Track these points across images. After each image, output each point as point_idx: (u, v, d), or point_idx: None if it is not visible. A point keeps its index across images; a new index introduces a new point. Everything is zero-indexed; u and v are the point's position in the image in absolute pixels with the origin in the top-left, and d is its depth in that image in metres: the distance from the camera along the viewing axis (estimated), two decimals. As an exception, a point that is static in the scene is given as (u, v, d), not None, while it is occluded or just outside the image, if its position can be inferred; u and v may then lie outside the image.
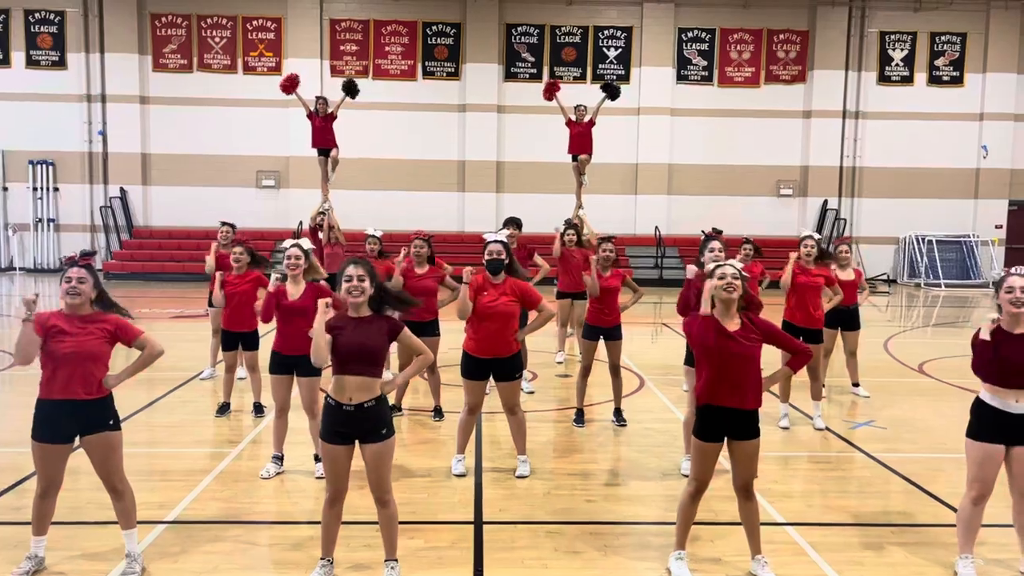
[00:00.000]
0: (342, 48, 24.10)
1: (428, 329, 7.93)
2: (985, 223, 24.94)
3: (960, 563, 4.90)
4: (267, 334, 8.93)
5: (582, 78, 24.14)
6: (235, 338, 8.41)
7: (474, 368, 6.47)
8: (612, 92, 14.47)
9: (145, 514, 5.48)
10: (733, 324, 4.69)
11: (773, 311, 6.74)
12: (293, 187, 23.74)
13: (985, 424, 4.76)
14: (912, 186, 24.78)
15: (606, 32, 24.38)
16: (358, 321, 4.62)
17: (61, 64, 23.63)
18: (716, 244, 6.42)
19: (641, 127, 24.27)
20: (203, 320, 13.02)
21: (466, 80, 24.10)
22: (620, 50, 24.41)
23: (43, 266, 23.81)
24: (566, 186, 16.82)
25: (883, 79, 24.79)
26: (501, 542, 5.38)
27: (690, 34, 24.48)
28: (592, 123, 14.49)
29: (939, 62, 24.74)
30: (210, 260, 9.54)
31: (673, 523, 5.04)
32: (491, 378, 6.56)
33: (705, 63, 24.56)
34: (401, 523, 4.90)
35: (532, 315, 6.73)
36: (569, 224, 11.22)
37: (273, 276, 6.57)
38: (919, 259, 24.41)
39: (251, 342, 8.47)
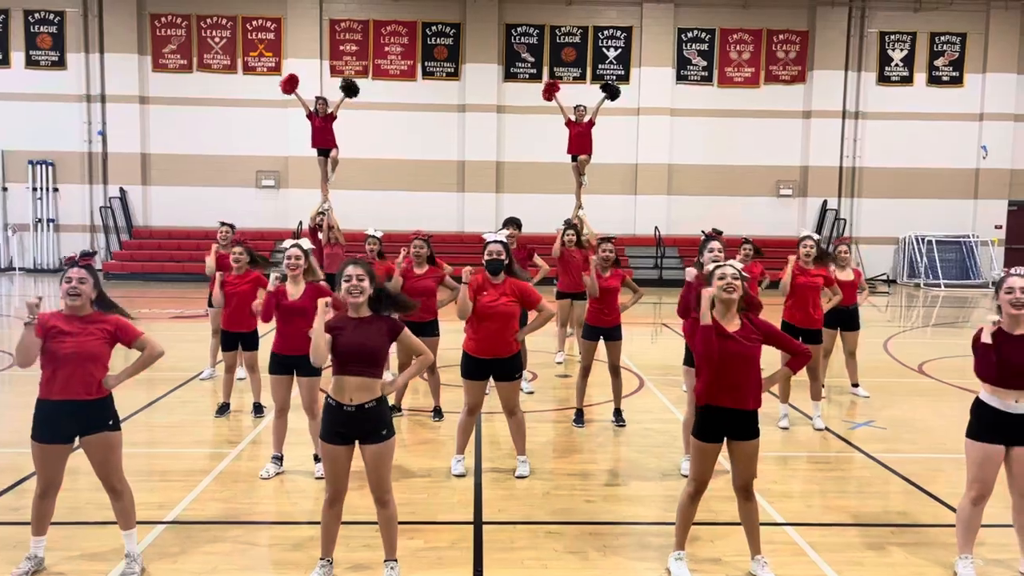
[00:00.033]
0: (342, 48, 24.09)
1: (427, 329, 7.93)
2: (985, 223, 24.94)
3: (959, 563, 4.91)
4: (266, 334, 8.94)
5: (582, 78, 24.14)
6: (235, 338, 8.41)
7: (474, 368, 6.47)
8: (612, 92, 14.47)
9: (144, 514, 5.48)
10: (733, 325, 4.69)
11: (772, 311, 6.75)
12: (293, 187, 23.73)
13: (985, 424, 4.76)
14: (912, 186, 24.78)
15: (606, 32, 24.38)
16: (358, 321, 4.63)
17: (61, 64, 23.62)
18: (716, 244, 6.41)
19: (641, 127, 24.27)
20: (203, 320, 13.02)
21: (466, 80, 24.10)
22: (620, 50, 24.41)
23: (43, 266, 23.80)
24: (566, 186, 16.82)
25: (883, 79, 24.80)
26: (500, 542, 5.38)
27: (690, 34, 24.48)
28: (592, 123, 14.49)
29: (939, 62, 24.75)
30: (210, 261, 9.54)
31: (672, 523, 5.04)
32: (491, 378, 6.56)
33: (705, 63, 24.56)
34: (401, 523, 4.90)
35: (532, 315, 6.73)
36: (569, 224, 11.22)
37: (273, 276, 6.57)
38: (919, 259, 24.41)
39: (251, 342, 8.47)
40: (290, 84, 13.81)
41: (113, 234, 23.73)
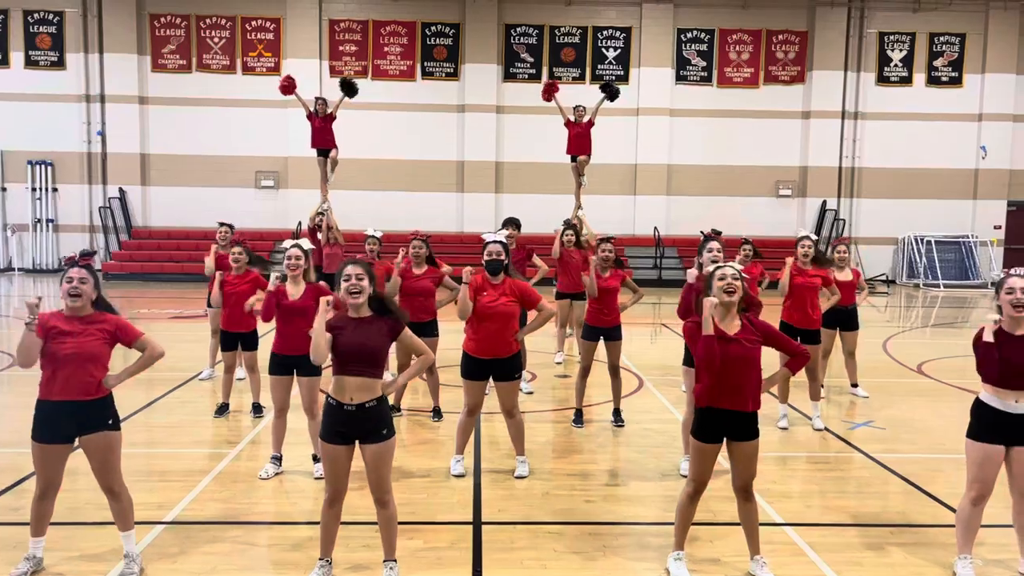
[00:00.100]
0: (341, 48, 24.09)
1: (427, 330, 7.93)
2: (984, 224, 24.95)
3: (959, 563, 4.91)
4: (266, 334, 8.94)
5: (581, 78, 24.14)
6: (234, 338, 8.41)
7: (474, 368, 6.47)
8: (611, 93, 14.47)
9: (143, 514, 5.48)
10: (733, 326, 4.69)
11: (771, 312, 6.76)
12: (292, 187, 23.73)
13: (985, 425, 4.77)
14: (911, 187, 24.79)
15: (605, 32, 24.38)
16: (358, 321, 4.63)
17: (60, 64, 23.62)
18: (715, 245, 6.41)
19: (640, 128, 24.27)
20: (202, 320, 13.02)
21: (465, 80, 24.10)
22: (619, 50, 24.42)
23: (42, 267, 23.79)
24: (565, 187, 16.83)
25: (882, 80, 24.81)
26: (500, 543, 5.38)
27: (689, 34, 24.49)
28: (591, 124, 14.49)
29: (938, 63, 24.76)
30: (209, 261, 9.54)
31: (672, 523, 5.04)
32: (490, 379, 6.56)
33: (704, 63, 24.57)
34: (400, 524, 4.90)
35: (531, 315, 6.73)
36: (568, 225, 11.22)
37: (273, 276, 6.58)
38: (918, 260, 24.41)
39: (250, 342, 8.47)
40: (289, 85, 13.80)
41: (112, 234, 23.72)
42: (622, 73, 24.27)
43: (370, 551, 5.09)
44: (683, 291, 6.23)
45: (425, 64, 24.21)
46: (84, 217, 24.03)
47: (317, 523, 4.85)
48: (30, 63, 23.55)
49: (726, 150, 24.47)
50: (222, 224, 10.17)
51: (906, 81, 24.80)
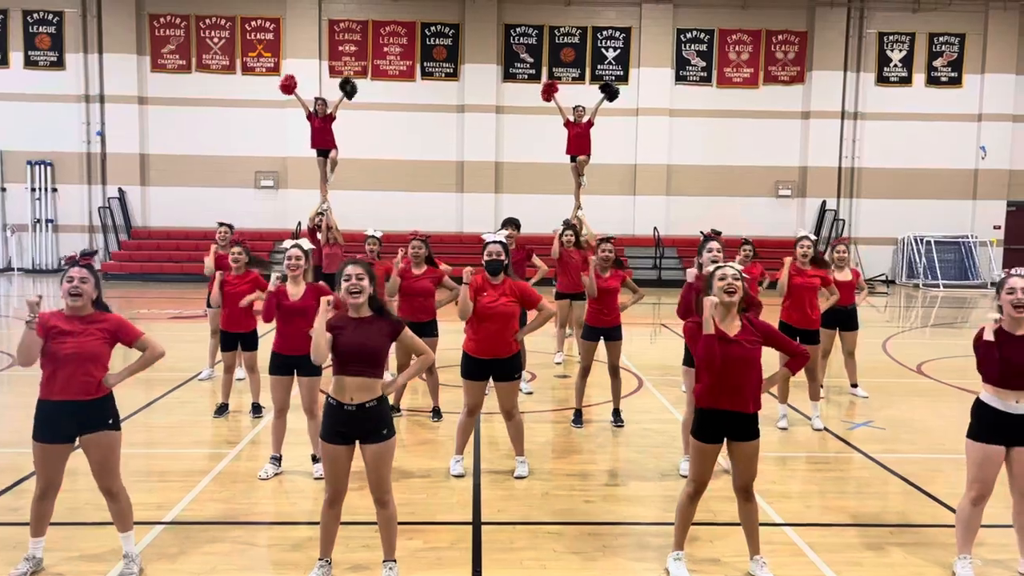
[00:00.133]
0: (341, 49, 24.09)
1: (426, 330, 7.92)
2: (983, 224, 24.95)
3: (958, 563, 4.91)
4: (266, 334, 8.94)
5: (581, 79, 24.14)
6: (234, 339, 8.41)
7: (474, 369, 6.47)
8: (610, 93, 14.47)
9: (143, 515, 5.48)
10: (734, 327, 4.69)
11: (770, 312, 6.75)
12: (291, 188, 23.72)
13: (985, 425, 4.77)
14: (910, 187, 24.80)
15: (605, 33, 24.38)
16: (359, 321, 4.63)
17: (59, 64, 23.61)
18: (715, 245, 6.41)
19: (640, 128, 24.27)
20: (202, 321, 13.02)
21: (465, 81, 24.10)
22: (619, 51, 24.42)
23: (41, 267, 23.79)
24: (565, 187, 16.83)
25: (881, 80, 24.81)
26: (500, 543, 5.38)
27: (689, 35, 24.49)
28: (590, 124, 14.48)
29: (937, 63, 24.76)
30: (208, 261, 9.55)
31: (671, 523, 5.04)
32: (490, 379, 6.55)
33: (704, 64, 24.57)
34: (399, 524, 4.90)
35: (531, 315, 6.73)
36: (567, 225, 11.23)
37: (273, 276, 6.57)
38: (917, 260, 24.42)
39: (250, 343, 8.47)
40: (289, 85, 13.80)
41: (112, 234, 23.72)
42: (622, 73, 24.27)
43: (370, 551, 5.09)
44: (683, 291, 6.23)
45: (425, 64, 24.21)
46: (83, 217, 24.03)
47: (317, 523, 4.85)
48: (29, 63, 23.54)
49: (726, 150, 24.47)
50: (221, 224, 10.17)
51: (906, 81, 24.81)
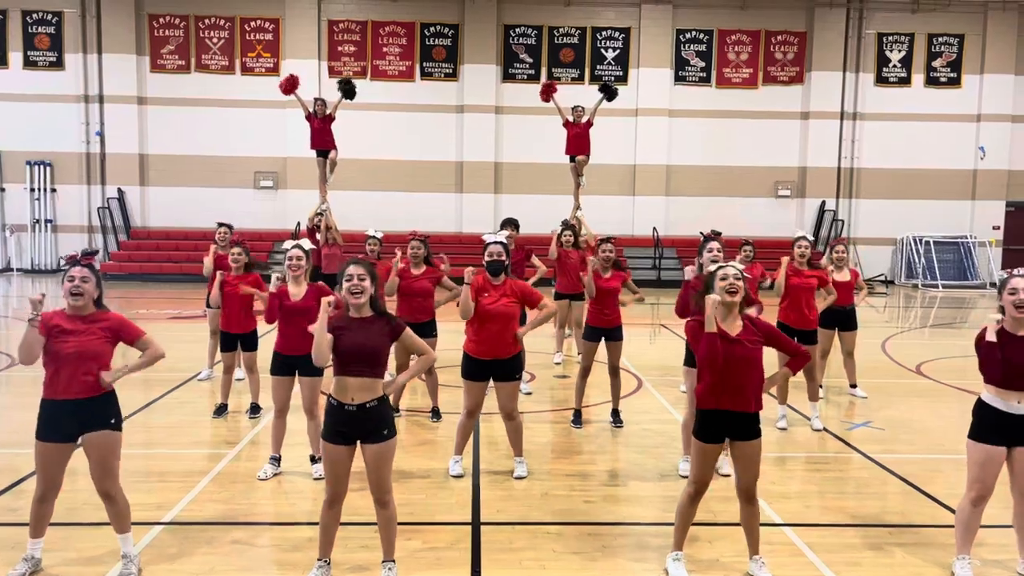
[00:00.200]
0: (340, 49, 24.09)
1: (425, 330, 7.91)
2: (982, 224, 24.96)
3: (957, 564, 4.91)
4: (266, 334, 8.94)
5: (580, 79, 24.14)
6: (234, 339, 8.41)
7: (475, 369, 6.46)
8: (609, 93, 14.48)
9: (142, 515, 5.48)
10: (735, 327, 4.69)
11: (768, 312, 6.76)
12: (291, 188, 23.72)
13: (987, 425, 4.76)
14: (910, 187, 24.80)
15: (604, 33, 24.38)
16: (360, 322, 4.62)
17: (59, 65, 23.60)
18: (715, 245, 6.41)
19: (639, 128, 24.28)
20: (201, 321, 13.01)
21: (464, 81, 24.10)
22: (618, 51, 24.42)
23: (40, 267, 23.78)
24: (564, 187, 16.82)
25: (881, 80, 24.82)
26: (499, 543, 5.38)
27: (688, 35, 24.50)
28: (590, 124, 14.49)
29: (937, 63, 24.77)
30: (208, 262, 9.55)
31: (670, 524, 5.04)
32: (490, 380, 6.55)
33: (703, 64, 24.57)
34: (399, 524, 4.90)
35: (531, 315, 6.72)
36: (566, 225, 11.24)
37: (274, 277, 6.58)
38: (917, 260, 24.42)
39: (250, 343, 8.47)
40: (290, 85, 13.79)
41: (111, 235, 23.70)
42: (621, 74, 24.27)
43: (369, 552, 5.08)
44: (682, 289, 6.23)
45: (424, 65, 24.21)
46: (83, 217, 24.02)
47: (316, 524, 4.84)
48: (29, 63, 23.53)
49: (725, 151, 24.47)
50: (221, 225, 10.16)
51: (905, 82, 24.82)
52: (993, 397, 4.76)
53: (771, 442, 7.69)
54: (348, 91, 13.86)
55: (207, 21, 23.86)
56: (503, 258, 6.43)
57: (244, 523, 5.65)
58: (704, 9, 24.38)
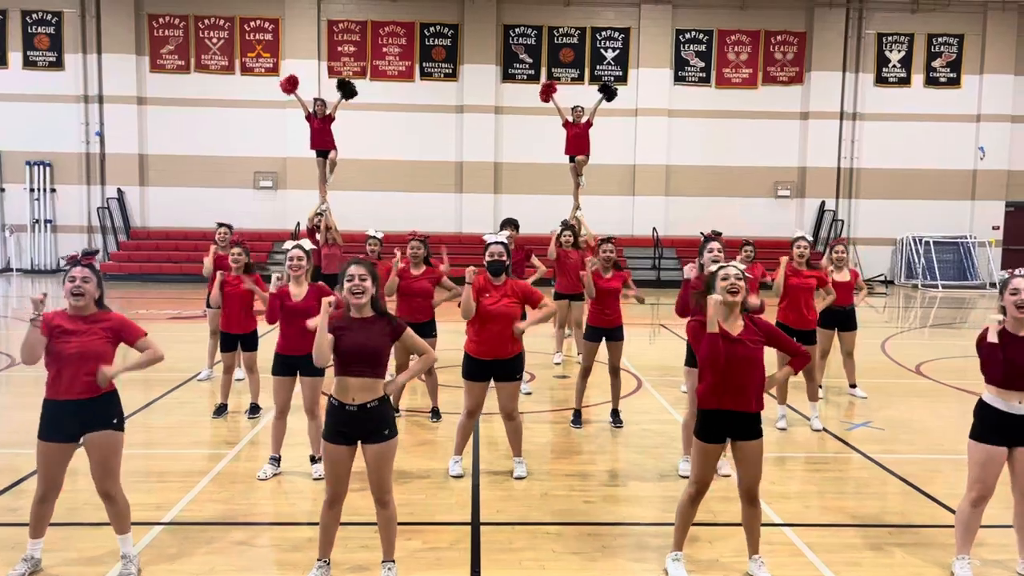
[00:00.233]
0: (340, 49, 24.09)
1: (425, 330, 7.91)
2: (982, 224, 24.96)
3: (957, 564, 4.91)
4: (266, 334, 8.94)
5: (580, 79, 24.14)
6: (234, 339, 8.41)
7: (476, 370, 6.46)
8: (609, 93, 14.49)
9: (142, 515, 5.48)
10: (736, 327, 4.69)
11: (767, 312, 6.76)
12: (291, 188, 23.72)
13: (988, 426, 4.77)
14: (909, 187, 24.81)
15: (604, 33, 24.39)
16: (361, 322, 4.62)
17: (58, 65, 23.60)
18: (715, 245, 6.42)
19: (639, 128, 24.28)
20: (201, 321, 13.01)
21: (464, 81, 24.10)
22: (618, 51, 24.43)
23: (40, 267, 23.77)
24: (564, 187, 16.83)
25: (880, 80, 24.82)
26: (499, 543, 5.38)
27: (688, 35, 24.50)
28: (589, 124, 14.49)
29: (936, 63, 24.78)
30: (208, 262, 9.55)
31: (670, 524, 5.04)
32: (491, 380, 6.54)
33: (703, 64, 24.58)
34: (398, 524, 4.90)
35: (532, 315, 6.72)
36: (565, 225, 11.25)
37: (275, 277, 6.57)
38: (916, 260, 24.43)
39: (250, 343, 8.47)
40: (291, 84, 13.80)
41: (111, 235, 23.70)
42: (621, 74, 24.27)
43: (368, 552, 5.08)
44: (682, 289, 6.24)
45: (424, 65, 24.21)
46: (82, 218, 24.01)
47: (316, 524, 4.84)
48: (28, 64, 23.53)
49: (725, 151, 24.48)
50: (221, 225, 10.16)
51: (904, 82, 24.82)
52: (994, 398, 4.76)
53: (771, 442, 7.67)
54: (347, 91, 13.87)
55: (207, 21, 23.86)
56: (504, 258, 6.43)
57: (244, 523, 5.65)
58: (704, 9, 24.39)
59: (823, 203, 24.88)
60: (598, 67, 24.29)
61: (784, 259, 8.37)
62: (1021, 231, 25.19)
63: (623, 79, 24.06)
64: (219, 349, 8.72)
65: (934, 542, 5.48)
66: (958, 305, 20.76)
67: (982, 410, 4.83)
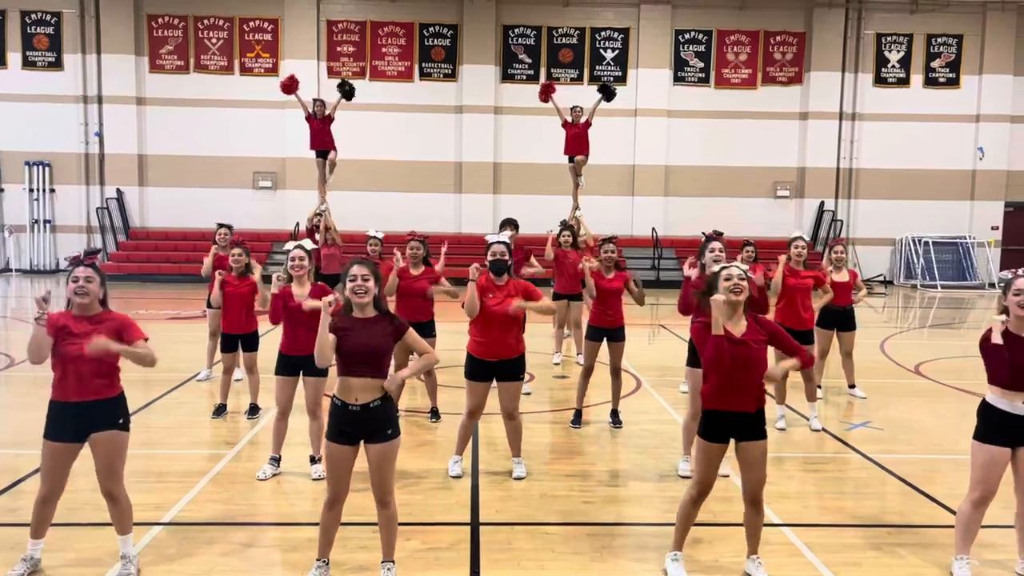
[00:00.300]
0: (339, 49, 24.09)
1: (424, 330, 7.89)
2: (981, 224, 24.98)
3: (956, 564, 4.91)
4: (266, 334, 8.94)
5: (579, 79, 24.15)
6: (234, 340, 8.40)
7: (478, 370, 6.45)
8: (608, 93, 14.50)
9: (141, 516, 5.47)
10: (740, 327, 4.68)
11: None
12: (290, 188, 23.72)
13: (991, 426, 4.77)
14: (908, 187, 24.82)
15: (603, 34, 24.39)
16: (363, 322, 4.62)
17: (57, 65, 23.59)
18: (717, 245, 6.41)
19: (638, 128, 24.29)
20: (200, 321, 13.01)
21: (463, 81, 24.10)
22: (617, 52, 24.43)
23: (39, 267, 23.77)
24: (563, 187, 16.83)
25: (879, 81, 24.84)
26: (498, 543, 5.38)
27: (687, 36, 24.51)
28: (588, 124, 14.50)
29: (935, 64, 24.79)
30: (207, 262, 9.55)
31: (670, 524, 5.04)
32: (493, 380, 6.54)
33: (702, 65, 24.59)
34: (398, 524, 4.90)
35: (532, 314, 6.72)
36: (564, 225, 11.25)
37: (275, 277, 6.57)
38: (915, 260, 24.44)
39: (251, 343, 8.47)
40: (291, 84, 13.81)
41: (110, 235, 23.70)
42: (620, 74, 24.28)
43: (368, 552, 5.08)
44: (683, 288, 6.24)
45: (423, 65, 24.21)
46: (81, 218, 24.01)
47: (315, 524, 4.84)
48: (28, 64, 23.53)
49: (724, 151, 24.49)
50: (221, 226, 10.16)
51: (903, 82, 24.83)
52: (998, 398, 4.76)
53: (770, 442, 7.57)
54: (347, 92, 13.88)
55: (206, 21, 23.86)
56: (506, 258, 6.43)
57: (243, 523, 5.65)
58: (703, 9, 24.40)
59: (822, 203, 24.89)
60: (597, 67, 24.30)
61: (782, 258, 8.37)
62: (1020, 231, 25.20)
63: (622, 79, 24.07)
64: (219, 349, 8.72)
65: (933, 542, 5.48)
66: (957, 305, 20.78)
67: (985, 411, 4.82)
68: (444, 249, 9.03)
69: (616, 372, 8.17)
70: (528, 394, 9.51)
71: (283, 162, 23.75)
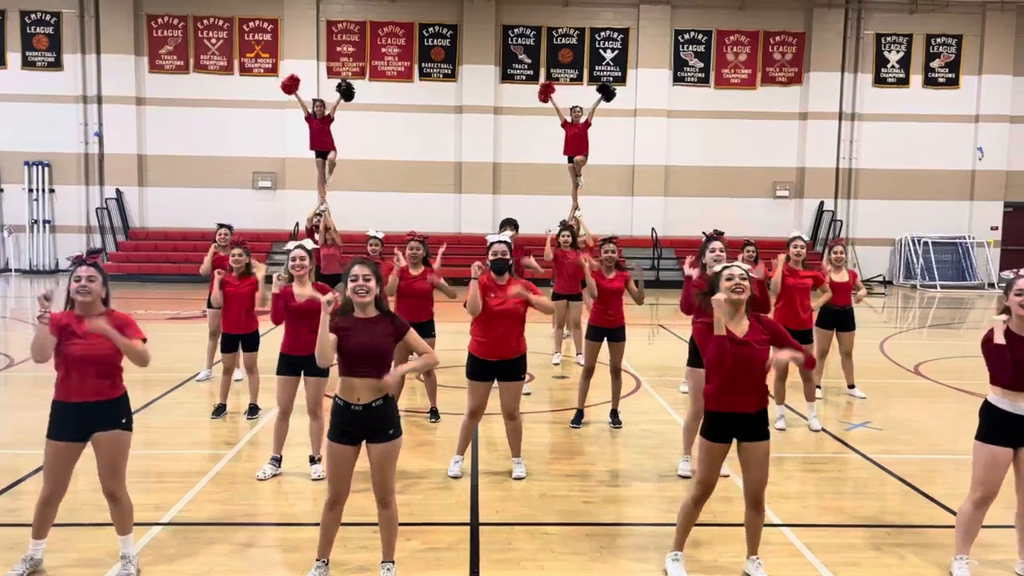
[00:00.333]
0: (339, 49, 24.09)
1: (424, 330, 7.90)
2: (981, 225, 24.98)
3: (956, 564, 4.91)
4: (266, 334, 8.94)
5: (579, 80, 24.15)
6: (234, 340, 8.40)
7: (480, 370, 6.45)
8: (607, 93, 14.50)
9: (141, 516, 5.47)
10: (742, 326, 4.68)
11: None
12: (289, 188, 23.72)
13: (994, 427, 4.77)
14: (908, 188, 24.83)
15: (603, 34, 24.40)
16: (365, 322, 4.62)
17: (57, 65, 23.59)
18: (717, 245, 6.41)
19: (638, 128, 24.29)
20: (200, 321, 13.01)
21: (463, 81, 24.10)
22: (617, 52, 24.44)
23: (39, 268, 23.76)
24: (562, 187, 16.83)
25: (879, 81, 24.84)
26: (498, 543, 5.38)
27: (687, 36, 24.51)
28: (588, 124, 14.50)
29: (935, 64, 24.80)
30: (207, 262, 9.55)
31: (670, 524, 5.04)
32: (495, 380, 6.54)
33: (702, 65, 24.59)
34: (398, 524, 4.90)
35: (530, 314, 6.72)
36: (564, 225, 11.24)
37: (275, 277, 6.56)
38: (915, 260, 24.45)
39: (251, 343, 8.46)
40: (292, 84, 13.81)
41: (109, 235, 23.70)
42: (620, 74, 24.28)
43: (368, 552, 5.09)
44: (684, 287, 6.25)
45: (423, 65, 24.21)
46: (81, 218, 24.01)
47: (315, 524, 4.85)
48: (27, 64, 23.52)
49: (723, 151, 24.49)
50: (221, 226, 10.16)
51: (903, 82, 24.84)
52: (1000, 399, 4.76)
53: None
54: (346, 92, 13.88)
55: (205, 22, 23.85)
56: (507, 257, 6.43)
57: (243, 524, 5.65)
58: (702, 10, 24.40)
59: (822, 203, 24.89)
60: (597, 67, 24.30)
61: (781, 257, 8.38)
62: (1020, 231, 25.21)
63: (622, 79, 24.08)
64: (219, 349, 8.72)
65: (933, 542, 5.48)
66: (957, 305, 20.78)
67: (988, 411, 4.82)
68: (442, 250, 9.02)
69: (616, 372, 8.18)
70: (528, 394, 9.51)
71: (283, 162, 23.75)
